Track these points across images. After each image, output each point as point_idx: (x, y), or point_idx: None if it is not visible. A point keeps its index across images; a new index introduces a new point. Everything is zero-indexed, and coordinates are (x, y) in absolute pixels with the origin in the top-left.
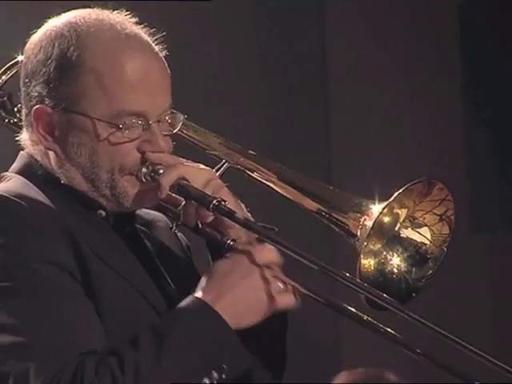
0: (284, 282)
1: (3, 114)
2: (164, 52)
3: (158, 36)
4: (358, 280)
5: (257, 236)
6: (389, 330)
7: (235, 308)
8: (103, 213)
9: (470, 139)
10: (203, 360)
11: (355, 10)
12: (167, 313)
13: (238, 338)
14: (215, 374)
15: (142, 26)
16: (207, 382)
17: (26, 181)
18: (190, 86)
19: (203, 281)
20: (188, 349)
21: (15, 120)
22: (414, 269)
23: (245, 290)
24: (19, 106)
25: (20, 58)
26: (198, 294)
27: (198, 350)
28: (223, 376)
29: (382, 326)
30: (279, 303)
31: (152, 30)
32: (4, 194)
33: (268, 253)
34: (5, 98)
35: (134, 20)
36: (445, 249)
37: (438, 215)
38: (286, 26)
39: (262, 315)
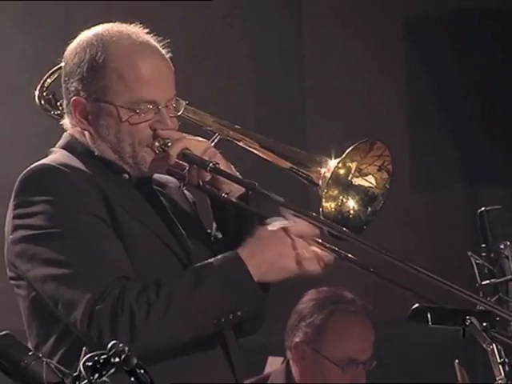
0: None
1: (50, 108)
2: (169, 54)
3: (164, 42)
4: (322, 218)
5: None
6: (348, 254)
7: (262, 266)
8: (127, 176)
9: (413, 106)
10: (227, 300)
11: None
12: (213, 258)
13: (259, 288)
14: (236, 313)
15: (151, 35)
16: (229, 318)
17: (68, 153)
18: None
19: (248, 240)
20: (218, 289)
21: (58, 112)
22: (365, 207)
23: (273, 255)
24: (61, 100)
25: (63, 64)
26: (240, 249)
27: (226, 291)
28: (238, 314)
29: (342, 251)
30: (305, 268)
31: (160, 38)
32: (51, 163)
33: (302, 227)
34: (50, 96)
35: (145, 31)
36: (388, 186)
37: (378, 166)
38: None
39: (285, 276)
